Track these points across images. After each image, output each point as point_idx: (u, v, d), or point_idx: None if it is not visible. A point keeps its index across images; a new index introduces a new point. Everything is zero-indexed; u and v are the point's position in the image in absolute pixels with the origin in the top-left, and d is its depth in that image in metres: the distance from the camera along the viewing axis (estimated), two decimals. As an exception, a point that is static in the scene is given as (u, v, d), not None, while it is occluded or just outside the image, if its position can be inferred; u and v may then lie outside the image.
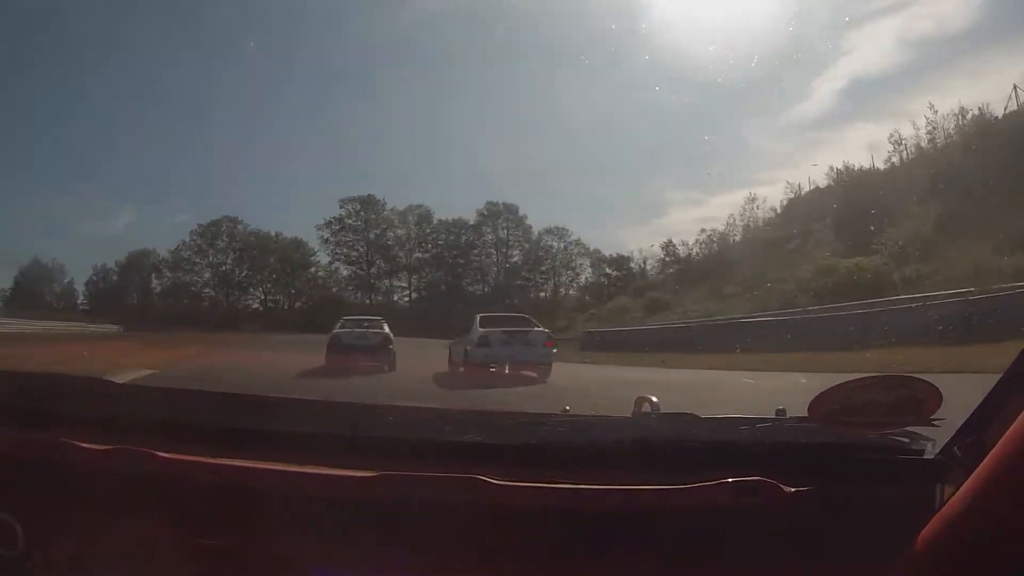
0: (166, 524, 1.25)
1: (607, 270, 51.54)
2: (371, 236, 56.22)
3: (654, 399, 2.08)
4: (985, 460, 1.02)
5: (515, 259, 56.69)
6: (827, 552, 1.13)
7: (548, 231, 55.30)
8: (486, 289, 54.74)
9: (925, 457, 1.18)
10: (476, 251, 56.82)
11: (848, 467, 1.20)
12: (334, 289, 54.37)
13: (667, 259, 46.37)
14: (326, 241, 55.67)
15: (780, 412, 1.36)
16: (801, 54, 36.36)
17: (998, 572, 0.99)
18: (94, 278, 49.70)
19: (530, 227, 56.80)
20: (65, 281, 48.28)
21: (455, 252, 56.94)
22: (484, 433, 1.34)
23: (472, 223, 56.94)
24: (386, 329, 16.06)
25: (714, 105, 47.95)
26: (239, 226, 53.52)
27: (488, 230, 57.79)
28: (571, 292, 53.41)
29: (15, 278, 43.55)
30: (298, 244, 55.11)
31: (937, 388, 1.13)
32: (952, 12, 47.30)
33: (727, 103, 49.30)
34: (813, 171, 45.11)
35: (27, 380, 1.64)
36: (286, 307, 53.95)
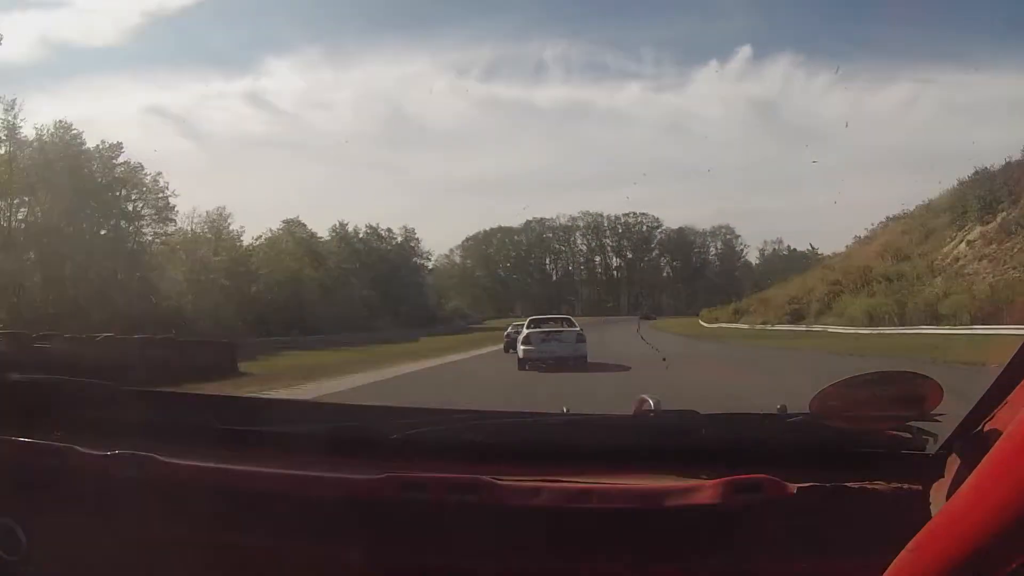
0: (169, 529, 1.24)
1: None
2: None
3: (654, 398, 2.08)
4: (988, 455, 1.01)
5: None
6: (830, 548, 1.13)
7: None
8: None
9: (927, 452, 1.19)
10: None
11: (850, 463, 1.20)
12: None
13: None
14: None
15: (782, 409, 1.36)
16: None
17: (1002, 568, 0.99)
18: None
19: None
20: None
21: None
22: (486, 433, 1.34)
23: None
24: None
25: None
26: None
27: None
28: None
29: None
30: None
31: (938, 383, 1.14)
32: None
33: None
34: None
35: (29, 384, 1.63)
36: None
